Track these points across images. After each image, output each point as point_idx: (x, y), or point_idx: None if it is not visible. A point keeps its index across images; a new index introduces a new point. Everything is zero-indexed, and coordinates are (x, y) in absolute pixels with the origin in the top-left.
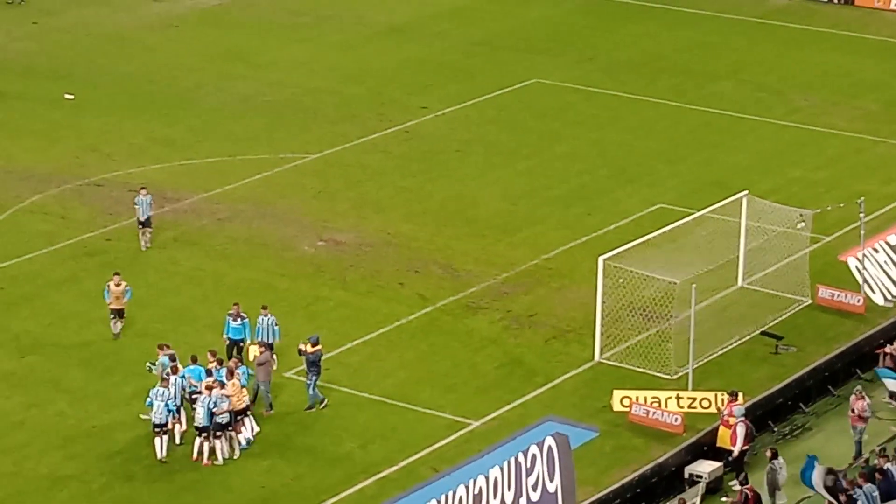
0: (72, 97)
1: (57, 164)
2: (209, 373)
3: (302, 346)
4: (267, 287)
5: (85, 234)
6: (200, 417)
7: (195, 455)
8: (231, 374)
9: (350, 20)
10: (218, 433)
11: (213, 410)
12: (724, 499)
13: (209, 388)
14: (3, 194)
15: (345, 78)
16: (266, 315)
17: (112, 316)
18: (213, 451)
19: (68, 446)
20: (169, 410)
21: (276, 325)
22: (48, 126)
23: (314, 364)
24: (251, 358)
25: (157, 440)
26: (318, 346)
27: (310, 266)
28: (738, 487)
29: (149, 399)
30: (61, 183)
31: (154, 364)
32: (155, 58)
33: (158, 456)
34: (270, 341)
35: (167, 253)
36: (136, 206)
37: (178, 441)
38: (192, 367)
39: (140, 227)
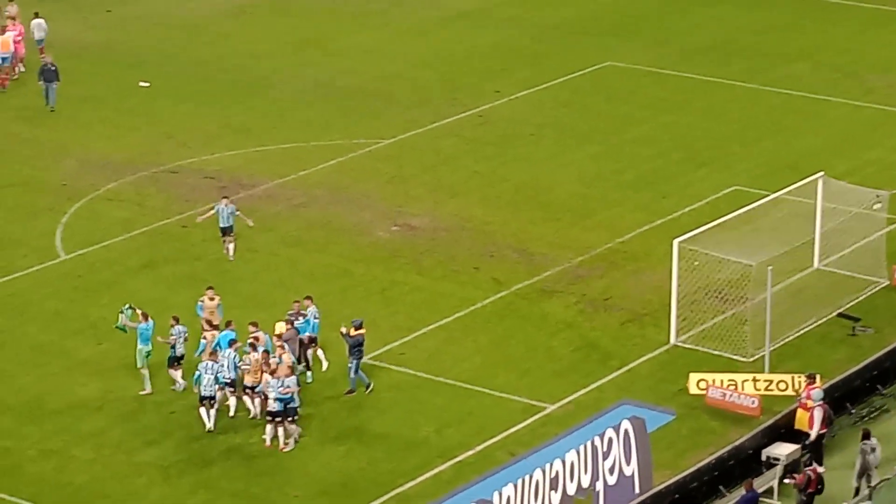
0: (147, 85)
1: (132, 152)
2: (253, 346)
3: (344, 330)
4: (342, 272)
5: (161, 221)
6: (273, 403)
7: (269, 441)
8: (254, 347)
9: (422, 5)
10: (290, 418)
11: (280, 391)
12: (787, 480)
13: (273, 372)
14: (80, 182)
15: (417, 63)
16: (310, 307)
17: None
18: (287, 435)
19: (146, 432)
20: (217, 382)
21: (317, 317)
22: (123, 114)
23: (356, 348)
24: (276, 333)
25: (202, 410)
26: (362, 331)
27: (385, 251)
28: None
29: (197, 373)
30: (137, 170)
31: (125, 314)
32: (229, 45)
33: (207, 426)
34: (314, 334)
35: (243, 239)
36: (217, 214)
37: (231, 413)
38: (226, 331)
39: (222, 234)
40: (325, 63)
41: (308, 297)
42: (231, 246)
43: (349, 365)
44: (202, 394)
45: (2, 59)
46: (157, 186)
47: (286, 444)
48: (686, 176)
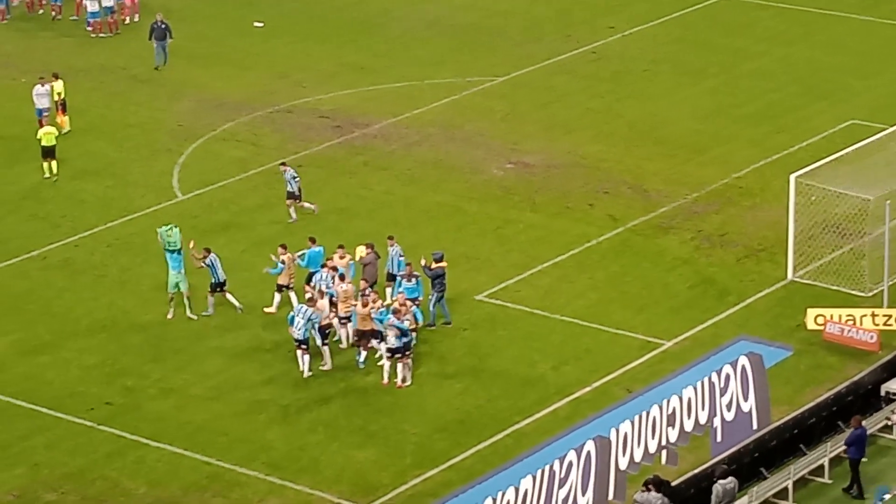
0: (261, 25)
1: (248, 92)
2: (342, 277)
3: (424, 262)
4: (456, 210)
5: (276, 161)
6: (392, 340)
7: (386, 379)
8: (342, 278)
9: None
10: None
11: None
12: (887, 419)
13: (397, 311)
14: (196, 122)
15: (531, 0)
16: (393, 246)
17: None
18: (405, 373)
19: (265, 370)
20: (313, 326)
21: (402, 256)
22: (238, 54)
23: (437, 280)
24: (357, 258)
25: (299, 353)
26: (443, 264)
27: (499, 189)
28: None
29: (291, 314)
30: (252, 111)
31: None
32: None
33: (304, 373)
34: (396, 272)
35: (357, 178)
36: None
37: (343, 344)
38: (313, 248)
39: (288, 199)
40: (439, 0)
41: (390, 237)
42: (294, 210)
43: (430, 297)
44: (295, 337)
45: (91, 13)
46: (272, 126)
47: (404, 381)
48: (802, 110)
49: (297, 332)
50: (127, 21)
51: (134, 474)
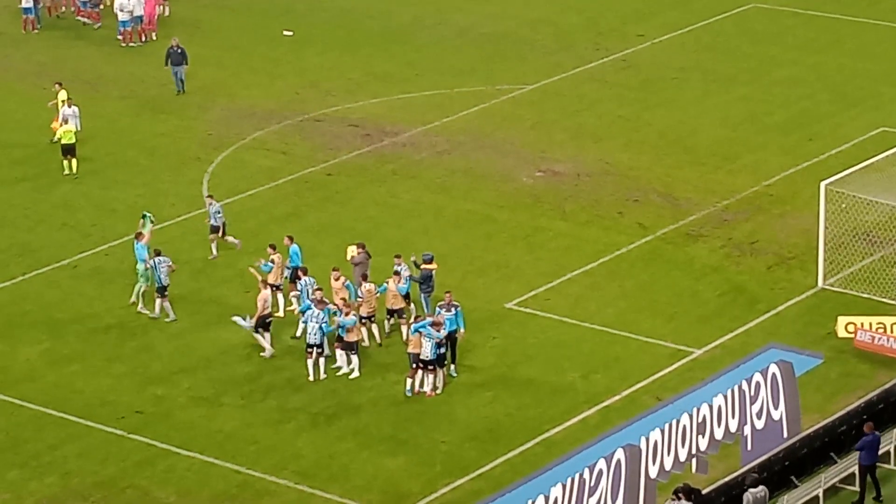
0: (291, 34)
1: (277, 101)
2: (364, 277)
3: (414, 257)
4: (486, 218)
5: (306, 170)
6: (427, 351)
7: (417, 388)
8: (365, 278)
9: None
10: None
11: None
12: None
13: (436, 324)
14: (226, 131)
15: (561, 8)
16: (400, 265)
17: (388, 317)
18: (435, 381)
19: (295, 379)
20: (322, 332)
21: (409, 275)
22: (268, 63)
23: (426, 281)
24: (348, 258)
25: (309, 361)
26: (432, 265)
27: (529, 197)
28: None
29: (304, 318)
30: (282, 119)
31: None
32: None
33: (310, 377)
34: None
35: (387, 186)
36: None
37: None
38: (292, 246)
39: (211, 233)
40: (469, 9)
41: (397, 256)
42: (214, 245)
43: (421, 297)
44: (307, 341)
45: (122, 22)
46: (301, 135)
47: (434, 390)
48: (833, 117)
49: (312, 336)
50: (144, 39)
51: (164, 483)
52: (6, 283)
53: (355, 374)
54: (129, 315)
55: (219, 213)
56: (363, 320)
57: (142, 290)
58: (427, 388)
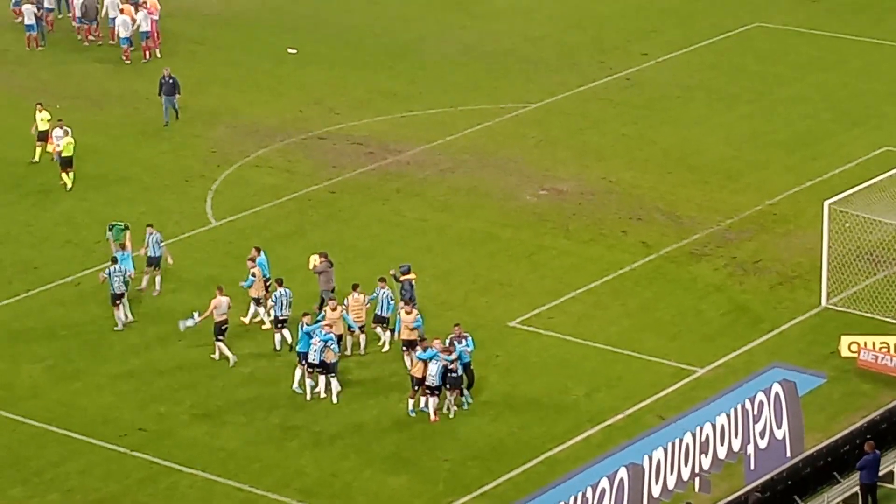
0: (295, 51)
1: (281, 119)
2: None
3: (393, 271)
4: (489, 237)
5: (310, 187)
6: (433, 377)
7: (433, 416)
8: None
9: None
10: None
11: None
12: None
13: (447, 350)
14: (230, 149)
15: (565, 26)
16: (383, 288)
17: (404, 349)
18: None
19: (297, 397)
20: (325, 348)
21: (392, 299)
22: (272, 81)
23: (408, 293)
24: (310, 267)
25: (308, 380)
26: (410, 276)
27: (532, 215)
28: None
29: (301, 334)
30: (286, 137)
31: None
32: (376, 10)
33: (308, 396)
34: (385, 315)
35: (391, 204)
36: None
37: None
38: (259, 258)
39: (148, 265)
40: (473, 27)
41: (381, 279)
42: (158, 279)
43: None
44: (309, 360)
45: (142, 33)
46: (305, 152)
47: (436, 415)
48: (837, 137)
49: (312, 354)
50: (148, 57)
51: (167, 500)
52: (9, 300)
53: (334, 398)
54: (131, 333)
55: (159, 243)
56: (351, 329)
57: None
58: (430, 410)
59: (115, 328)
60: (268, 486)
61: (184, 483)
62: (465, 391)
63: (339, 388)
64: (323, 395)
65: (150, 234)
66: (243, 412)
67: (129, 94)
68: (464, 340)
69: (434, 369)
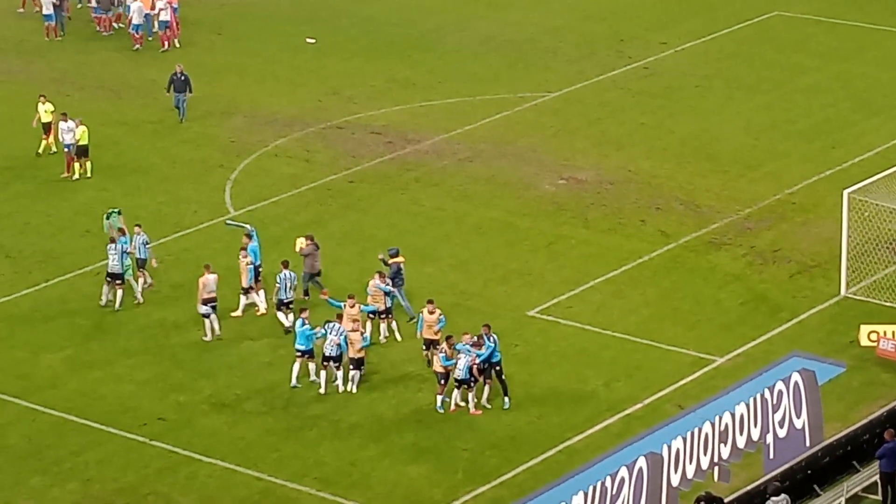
0: (313, 41)
1: (300, 108)
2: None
3: (381, 256)
4: (508, 226)
5: (328, 177)
6: (461, 370)
7: (453, 405)
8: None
9: None
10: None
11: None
12: None
13: (477, 344)
14: (249, 138)
15: (584, 16)
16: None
17: (424, 348)
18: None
19: (316, 386)
20: (340, 347)
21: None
22: (291, 71)
23: (396, 275)
24: (297, 249)
25: (323, 373)
26: (398, 259)
27: (551, 205)
28: None
29: (322, 331)
30: (304, 126)
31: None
32: (395, 0)
33: (321, 390)
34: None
35: (409, 194)
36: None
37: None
38: (251, 244)
39: (138, 267)
40: (492, 16)
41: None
42: (140, 284)
43: (397, 294)
44: (324, 353)
45: (135, 25)
46: (324, 142)
47: (476, 406)
48: (856, 126)
49: (329, 348)
50: (167, 47)
51: (186, 490)
52: (29, 289)
53: (354, 388)
54: (151, 322)
55: (146, 244)
56: (371, 316)
57: (141, 285)
58: (469, 405)
59: (101, 303)
60: (287, 475)
61: (203, 472)
62: (505, 398)
63: (358, 380)
64: (341, 388)
65: (138, 234)
66: (262, 401)
67: (148, 84)
68: (483, 346)
69: (462, 363)
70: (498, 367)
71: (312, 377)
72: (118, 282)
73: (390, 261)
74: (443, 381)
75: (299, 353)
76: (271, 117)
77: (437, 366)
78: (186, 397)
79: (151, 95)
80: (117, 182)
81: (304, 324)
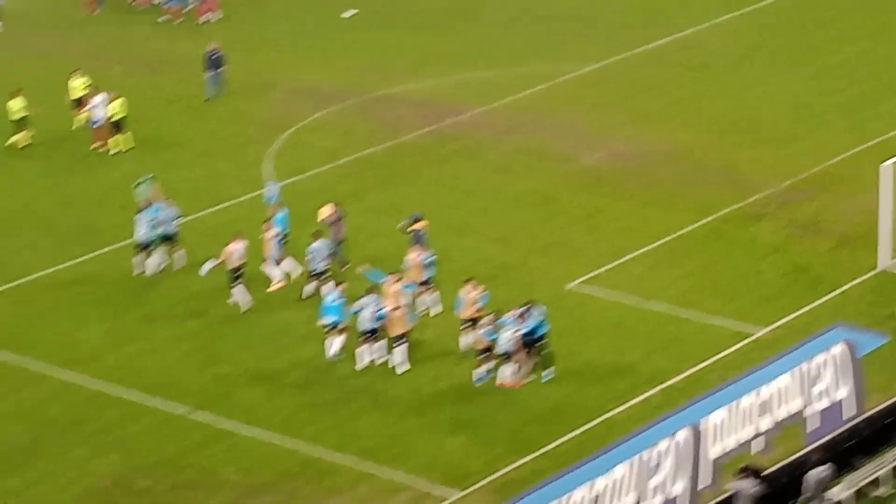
0: (350, 15)
1: (338, 81)
2: None
3: (400, 225)
4: (548, 199)
5: (367, 150)
6: (502, 344)
7: (499, 380)
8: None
9: None
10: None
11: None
12: None
13: (522, 316)
14: (287, 112)
15: None
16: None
17: (462, 325)
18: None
19: (356, 359)
20: (380, 319)
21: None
22: (329, 43)
23: (418, 241)
24: (320, 219)
25: (358, 350)
26: (417, 225)
27: (590, 177)
28: None
29: (358, 307)
30: (343, 100)
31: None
32: None
33: (357, 366)
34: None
35: (449, 166)
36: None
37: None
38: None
39: (166, 241)
40: None
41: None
42: (164, 259)
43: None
44: (360, 328)
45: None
46: (362, 115)
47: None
48: None
49: (367, 322)
50: (203, 20)
51: (226, 462)
52: (69, 262)
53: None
54: (190, 295)
55: (176, 218)
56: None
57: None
58: (506, 378)
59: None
60: (327, 447)
61: (243, 444)
62: (545, 371)
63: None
64: (378, 361)
65: (166, 207)
66: (302, 374)
67: (185, 59)
68: (538, 310)
69: (505, 336)
70: (543, 341)
71: (332, 351)
72: (148, 249)
73: (409, 228)
74: (484, 356)
75: (330, 327)
76: (309, 91)
77: (479, 341)
78: (226, 370)
79: (188, 69)
80: (156, 156)
81: (338, 297)
